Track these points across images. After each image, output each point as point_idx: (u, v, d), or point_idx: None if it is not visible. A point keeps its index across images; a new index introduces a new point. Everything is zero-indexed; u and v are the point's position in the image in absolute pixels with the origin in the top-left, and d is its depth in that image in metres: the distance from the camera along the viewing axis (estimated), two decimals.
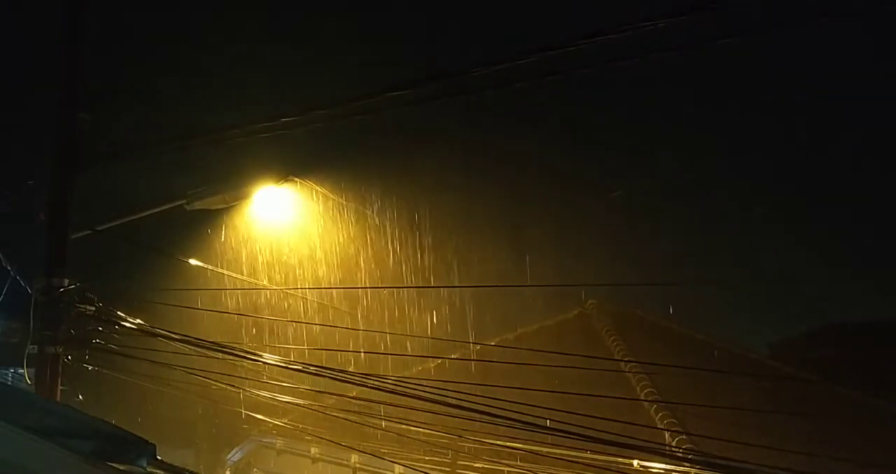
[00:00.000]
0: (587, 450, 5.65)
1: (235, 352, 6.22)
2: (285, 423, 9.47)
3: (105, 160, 6.41)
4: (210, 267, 7.97)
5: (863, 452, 6.92)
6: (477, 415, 5.02)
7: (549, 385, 6.78)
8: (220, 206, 7.49)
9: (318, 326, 7.97)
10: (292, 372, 6.31)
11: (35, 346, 6.03)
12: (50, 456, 2.38)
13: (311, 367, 6.02)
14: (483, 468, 7.89)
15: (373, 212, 9.59)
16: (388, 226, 9.86)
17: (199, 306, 7.46)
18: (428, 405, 5.29)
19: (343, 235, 9.47)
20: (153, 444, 2.93)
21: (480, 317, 9.80)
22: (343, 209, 9.10)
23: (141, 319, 6.32)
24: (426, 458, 8.18)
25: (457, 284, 10.29)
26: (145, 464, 2.86)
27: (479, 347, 9.96)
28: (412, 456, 8.15)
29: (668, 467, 6.69)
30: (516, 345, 9.89)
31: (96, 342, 6.28)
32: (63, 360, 6.10)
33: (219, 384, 6.52)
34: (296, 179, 7.85)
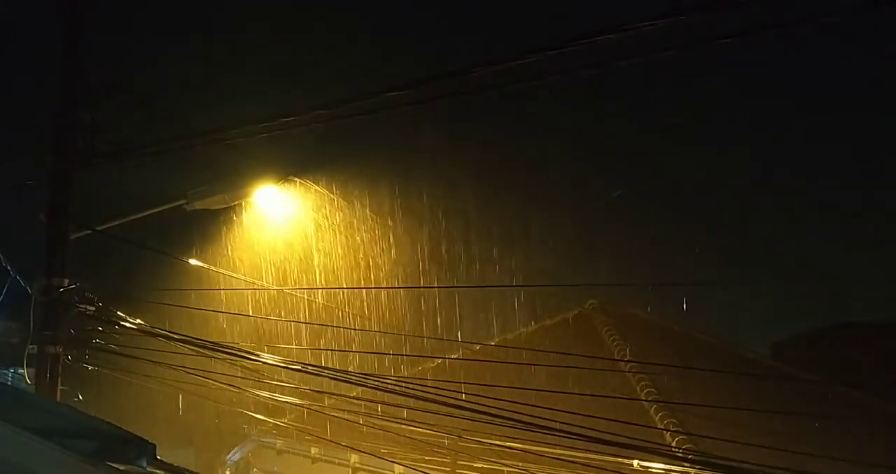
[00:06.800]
0: (587, 450, 5.64)
1: (235, 352, 6.23)
2: (285, 423, 9.47)
3: (105, 160, 6.41)
4: (210, 267, 7.97)
5: (863, 452, 6.92)
6: (477, 415, 5.02)
7: (549, 385, 6.78)
8: (220, 206, 7.49)
9: (317, 326, 7.98)
10: (292, 372, 6.31)
11: (35, 346, 6.03)
12: (50, 456, 2.37)
13: (311, 367, 6.03)
14: (483, 468, 7.89)
15: (372, 211, 9.59)
16: (387, 226, 9.85)
17: (199, 306, 7.46)
18: (428, 405, 5.30)
19: (343, 235, 9.47)
20: (153, 444, 2.93)
21: (480, 316, 9.81)
22: (343, 209, 9.10)
23: (141, 319, 6.32)
24: (426, 458, 8.17)
25: (457, 284, 10.28)
26: (145, 464, 2.86)
27: (478, 347, 9.97)
28: (412, 456, 8.14)
29: (668, 467, 6.68)
30: (516, 345, 9.89)
31: (96, 342, 6.29)
32: (63, 360, 6.11)
33: (219, 384, 6.52)
34: (296, 179, 7.85)
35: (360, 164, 9.87)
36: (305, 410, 8.34)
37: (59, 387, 6.07)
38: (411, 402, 5.51)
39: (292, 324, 8.17)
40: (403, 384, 5.71)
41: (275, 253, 9.08)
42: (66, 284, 6.07)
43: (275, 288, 8.76)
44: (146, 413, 10.64)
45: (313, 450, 10.37)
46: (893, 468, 7.19)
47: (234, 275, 8.31)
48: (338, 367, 6.22)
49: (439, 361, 9.79)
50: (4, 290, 6.54)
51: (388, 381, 5.85)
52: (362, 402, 6.88)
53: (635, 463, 6.64)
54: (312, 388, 6.81)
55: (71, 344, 6.14)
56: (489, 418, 4.99)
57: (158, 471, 2.91)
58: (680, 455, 6.64)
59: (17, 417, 2.60)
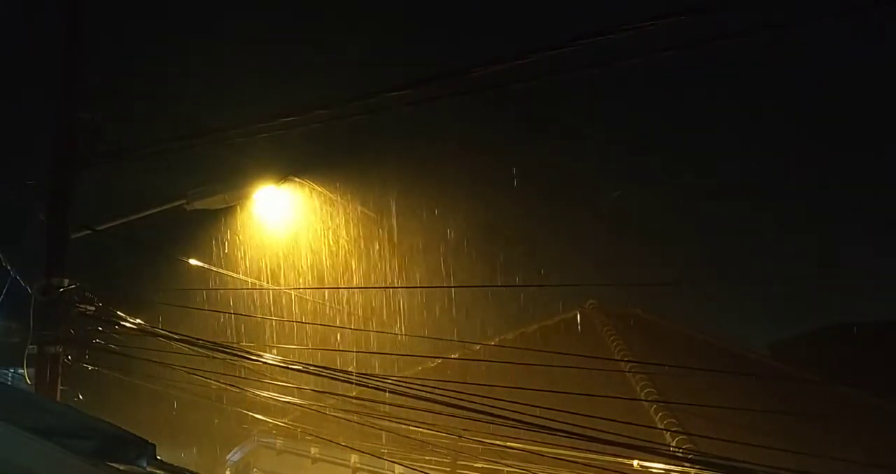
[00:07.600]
0: (587, 450, 5.64)
1: (235, 352, 6.23)
2: (285, 423, 9.47)
3: (105, 160, 6.41)
4: (210, 267, 7.97)
5: (863, 452, 6.92)
6: (477, 415, 5.02)
7: (549, 385, 6.78)
8: (220, 206, 7.49)
9: (318, 326, 7.97)
10: (292, 372, 6.31)
11: (35, 346, 6.03)
12: (50, 456, 2.37)
13: (311, 367, 6.02)
14: (483, 468, 7.89)
15: (373, 211, 9.59)
16: (388, 226, 9.86)
17: (200, 306, 7.46)
18: (428, 405, 5.29)
19: (343, 235, 9.47)
20: (153, 444, 2.92)
21: (480, 316, 9.80)
22: (343, 209, 9.10)
23: (141, 319, 6.32)
24: (426, 458, 8.17)
25: (457, 284, 10.28)
26: (145, 464, 2.85)
27: (478, 347, 9.97)
28: (412, 456, 8.15)
29: (668, 467, 6.68)
30: (516, 345, 9.89)
31: (96, 342, 6.29)
32: (63, 360, 6.10)
33: (219, 384, 6.52)
34: (296, 179, 7.85)
35: (359, 164, 9.87)
36: (305, 410, 8.35)
37: (59, 387, 6.07)
38: (411, 402, 5.50)
39: (291, 323, 8.17)
40: (403, 384, 5.70)
41: (275, 252, 9.08)
42: (66, 284, 6.07)
43: (275, 288, 8.76)
44: (146, 413, 10.65)
45: (313, 450, 10.37)
46: (893, 468, 7.19)
47: (234, 275, 8.31)
48: (338, 367, 6.21)
49: (439, 361, 9.79)
50: (4, 290, 6.54)
51: (389, 381, 5.85)
52: (362, 402, 6.87)
53: (635, 463, 6.63)
54: (312, 388, 6.81)
55: (71, 344, 6.13)
56: (489, 418, 4.99)
57: (158, 471, 2.90)
58: (680, 455, 6.64)
59: (17, 417, 2.59)
